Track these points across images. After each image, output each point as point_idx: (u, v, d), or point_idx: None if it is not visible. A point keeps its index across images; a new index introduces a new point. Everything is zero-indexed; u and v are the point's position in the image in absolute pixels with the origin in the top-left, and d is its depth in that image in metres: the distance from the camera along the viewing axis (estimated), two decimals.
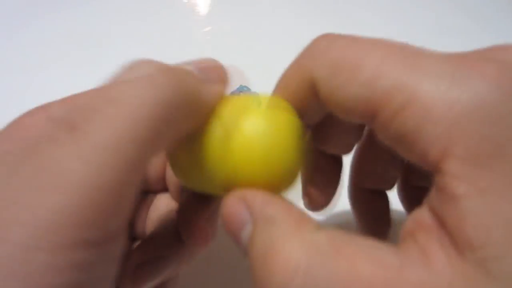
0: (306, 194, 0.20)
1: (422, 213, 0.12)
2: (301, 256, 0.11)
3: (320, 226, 0.13)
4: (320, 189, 0.20)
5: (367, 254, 0.11)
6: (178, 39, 0.48)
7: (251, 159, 0.15)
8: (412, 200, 0.20)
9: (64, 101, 0.14)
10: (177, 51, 0.46)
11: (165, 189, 0.22)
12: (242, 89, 0.35)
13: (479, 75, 0.11)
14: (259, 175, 0.15)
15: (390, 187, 0.20)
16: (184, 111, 0.14)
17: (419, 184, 0.19)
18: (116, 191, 0.11)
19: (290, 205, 0.14)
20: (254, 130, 0.15)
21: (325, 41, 0.15)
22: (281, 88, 0.17)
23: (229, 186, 0.15)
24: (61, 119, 0.12)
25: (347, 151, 0.20)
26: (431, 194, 0.12)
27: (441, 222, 0.11)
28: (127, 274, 0.17)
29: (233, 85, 0.36)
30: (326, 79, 0.14)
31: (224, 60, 0.49)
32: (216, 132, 0.15)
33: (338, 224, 0.28)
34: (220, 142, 0.15)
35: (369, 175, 0.20)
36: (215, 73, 0.17)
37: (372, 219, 0.20)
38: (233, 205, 0.14)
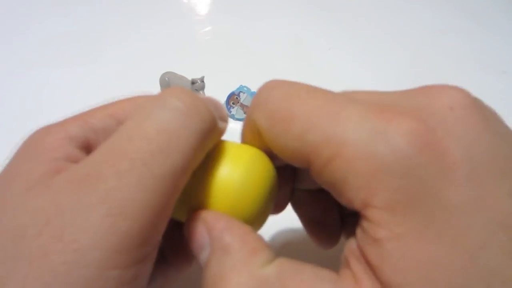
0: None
1: (354, 244, 0.14)
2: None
3: (273, 256, 0.14)
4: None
5: (309, 286, 0.13)
6: (178, 39, 0.48)
7: (220, 198, 0.15)
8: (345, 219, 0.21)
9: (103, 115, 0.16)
10: (177, 51, 0.46)
11: None
12: (242, 89, 0.35)
13: (395, 129, 0.13)
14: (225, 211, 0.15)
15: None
16: (208, 143, 0.15)
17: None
18: (166, 214, 0.13)
19: (248, 234, 0.14)
20: (229, 173, 0.16)
21: (266, 91, 0.16)
22: (242, 136, 0.18)
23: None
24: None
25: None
26: (357, 233, 0.13)
27: (366, 260, 0.13)
28: None
29: (233, 86, 0.37)
30: (266, 129, 0.15)
31: (224, 60, 0.49)
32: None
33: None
34: (196, 176, 0.15)
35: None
36: (223, 111, 0.18)
37: (324, 222, 0.20)
38: (194, 227, 0.15)
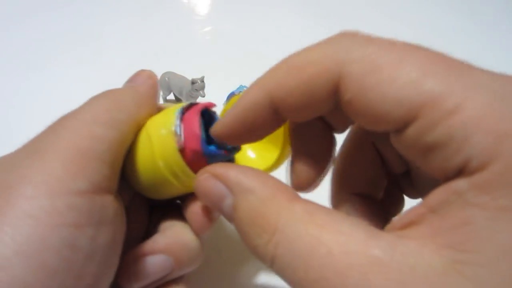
0: (293, 171, 0.18)
1: (415, 210, 0.13)
2: (278, 220, 0.13)
3: (296, 196, 0.14)
4: (309, 165, 0.18)
5: (336, 224, 0.12)
6: (178, 39, 0.48)
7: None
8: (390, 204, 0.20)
9: None
10: (177, 51, 0.46)
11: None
12: (242, 89, 0.35)
13: None
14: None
15: (379, 192, 0.19)
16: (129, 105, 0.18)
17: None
18: (93, 157, 0.15)
19: (265, 176, 0.15)
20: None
21: (358, 37, 0.14)
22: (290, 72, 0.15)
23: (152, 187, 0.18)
24: None
25: (342, 130, 0.18)
26: (435, 193, 0.12)
27: (438, 217, 0.12)
28: (124, 270, 0.17)
29: (233, 86, 0.37)
30: (359, 76, 0.13)
31: (224, 60, 0.49)
32: (142, 141, 0.18)
33: None
34: (144, 149, 0.18)
35: (357, 179, 0.19)
36: (140, 77, 0.20)
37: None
38: (207, 182, 0.16)
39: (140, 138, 0.18)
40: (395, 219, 0.13)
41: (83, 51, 0.45)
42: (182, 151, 0.17)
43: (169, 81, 0.35)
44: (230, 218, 0.15)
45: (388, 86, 0.12)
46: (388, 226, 0.13)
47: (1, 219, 0.13)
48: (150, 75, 0.20)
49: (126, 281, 0.17)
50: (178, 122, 0.17)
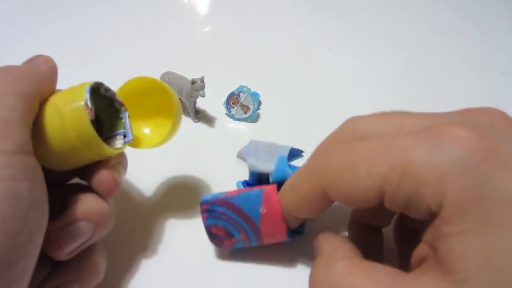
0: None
1: (421, 248, 0.17)
2: (320, 276, 0.18)
3: (346, 256, 0.18)
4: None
5: (368, 273, 0.17)
6: (178, 39, 0.48)
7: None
8: (403, 239, 0.24)
9: None
10: (177, 51, 0.46)
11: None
12: (242, 89, 0.35)
13: (448, 139, 0.15)
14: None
15: (386, 225, 0.24)
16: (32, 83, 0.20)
17: (411, 227, 0.23)
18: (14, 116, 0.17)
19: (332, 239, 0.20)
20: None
21: (321, 155, 0.20)
22: (294, 189, 0.21)
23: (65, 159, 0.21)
24: None
25: (385, 224, 0.24)
26: (427, 233, 0.16)
27: (434, 253, 0.15)
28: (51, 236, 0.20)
29: (233, 86, 0.37)
30: (334, 183, 0.18)
31: (224, 60, 0.49)
32: (49, 113, 0.20)
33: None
34: (52, 121, 0.20)
35: (368, 215, 0.24)
36: (38, 60, 0.21)
37: (368, 249, 0.21)
38: None
39: (46, 110, 0.20)
40: (413, 258, 0.17)
41: (83, 51, 0.45)
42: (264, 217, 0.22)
43: (169, 81, 0.35)
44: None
45: (354, 184, 0.17)
46: (411, 265, 0.18)
47: None
48: (48, 59, 0.22)
49: (56, 248, 0.20)
50: (88, 96, 0.20)
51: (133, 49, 0.45)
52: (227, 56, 0.45)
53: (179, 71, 0.37)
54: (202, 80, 0.33)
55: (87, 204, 0.21)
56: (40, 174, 0.18)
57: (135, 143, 0.24)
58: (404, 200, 0.16)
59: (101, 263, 0.23)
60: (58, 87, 0.22)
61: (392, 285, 0.16)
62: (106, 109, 0.23)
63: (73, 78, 0.23)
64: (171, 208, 0.29)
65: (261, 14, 0.54)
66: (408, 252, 0.18)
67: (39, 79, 0.20)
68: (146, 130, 0.26)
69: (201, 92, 0.33)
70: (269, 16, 0.53)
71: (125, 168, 0.24)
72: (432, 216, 0.16)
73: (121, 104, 0.23)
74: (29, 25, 0.49)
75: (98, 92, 0.22)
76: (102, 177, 0.22)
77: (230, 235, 0.24)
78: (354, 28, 0.51)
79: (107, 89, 0.22)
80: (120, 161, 0.23)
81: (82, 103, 0.20)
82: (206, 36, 0.50)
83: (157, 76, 0.36)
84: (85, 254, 0.22)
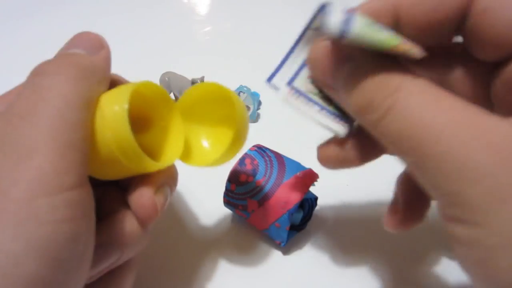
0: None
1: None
2: (402, 82, 0.14)
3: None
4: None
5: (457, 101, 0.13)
6: (178, 39, 0.48)
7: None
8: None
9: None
10: (177, 51, 0.46)
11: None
12: (242, 89, 0.35)
13: None
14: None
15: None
16: (92, 77, 0.17)
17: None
18: (74, 148, 0.15)
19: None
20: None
21: None
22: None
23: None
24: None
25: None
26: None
27: None
28: None
29: (233, 86, 0.36)
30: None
31: (224, 60, 0.49)
32: (97, 119, 0.17)
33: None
34: (100, 127, 0.17)
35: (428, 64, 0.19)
36: (89, 42, 0.19)
37: (414, 200, 0.19)
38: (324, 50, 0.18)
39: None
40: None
41: None
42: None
43: (169, 81, 0.35)
44: (345, 83, 0.16)
45: None
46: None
47: (5, 224, 0.13)
48: (102, 43, 0.19)
49: None
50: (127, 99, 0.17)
51: (133, 49, 0.45)
52: (227, 56, 0.45)
53: (179, 71, 0.36)
54: (202, 80, 0.33)
55: (119, 225, 0.18)
56: (93, 204, 0.16)
57: (186, 157, 0.21)
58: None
59: (127, 280, 0.20)
60: None
61: (480, 116, 0.13)
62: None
63: None
64: (171, 208, 0.29)
65: (261, 14, 0.54)
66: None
67: (98, 77, 0.17)
68: (204, 143, 0.22)
69: None
70: (269, 16, 0.53)
71: (172, 190, 0.21)
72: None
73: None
74: (29, 23, 0.49)
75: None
76: (141, 200, 0.18)
77: (252, 176, 0.25)
78: None
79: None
80: (167, 181, 0.20)
81: (123, 106, 0.17)
82: (206, 36, 0.50)
83: (157, 76, 0.36)
84: (112, 271, 0.19)
